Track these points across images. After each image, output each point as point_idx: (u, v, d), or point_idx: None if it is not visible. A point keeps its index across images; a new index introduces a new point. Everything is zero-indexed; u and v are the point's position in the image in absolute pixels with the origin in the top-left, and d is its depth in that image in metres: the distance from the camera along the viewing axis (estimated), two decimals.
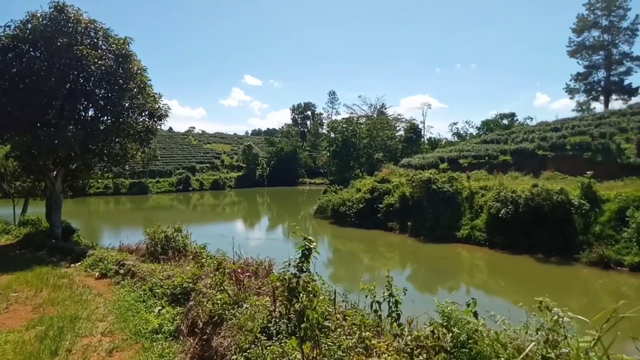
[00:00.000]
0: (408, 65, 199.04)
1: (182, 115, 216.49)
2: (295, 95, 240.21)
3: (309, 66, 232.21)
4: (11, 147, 18.91)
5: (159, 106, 20.37)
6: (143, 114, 19.94)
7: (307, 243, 4.03)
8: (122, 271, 11.05)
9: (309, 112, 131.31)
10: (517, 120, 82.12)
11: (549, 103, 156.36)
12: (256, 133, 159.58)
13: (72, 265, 13.97)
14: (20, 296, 9.81)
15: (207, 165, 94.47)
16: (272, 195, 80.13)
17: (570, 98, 61.40)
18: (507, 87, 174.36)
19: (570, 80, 59.62)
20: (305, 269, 4.12)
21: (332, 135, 57.83)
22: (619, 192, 24.91)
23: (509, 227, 26.71)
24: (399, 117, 72.84)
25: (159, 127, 20.79)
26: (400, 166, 47.37)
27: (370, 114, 71.35)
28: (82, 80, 18.01)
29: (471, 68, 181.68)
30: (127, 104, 19.09)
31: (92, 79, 17.63)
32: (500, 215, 26.61)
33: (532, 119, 74.80)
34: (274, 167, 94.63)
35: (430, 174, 32.04)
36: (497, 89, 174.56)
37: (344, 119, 59.20)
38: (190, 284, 8.08)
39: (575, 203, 24.78)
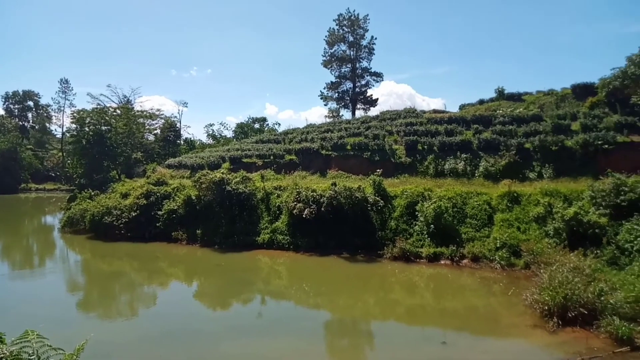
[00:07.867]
0: (141, 65, 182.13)
1: None
2: (3, 83, 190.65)
3: (21, 55, 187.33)
4: None
5: None
6: None
7: None
8: None
9: (30, 103, 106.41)
10: (267, 125, 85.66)
11: (277, 113, 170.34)
12: None
13: None
14: None
15: None
16: None
17: (325, 105, 66.93)
18: (242, 95, 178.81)
19: (324, 89, 65.25)
20: None
21: (75, 127, 46.50)
22: (405, 188, 26.72)
23: (312, 228, 25.56)
24: (157, 112, 64.31)
25: None
26: (167, 167, 41.55)
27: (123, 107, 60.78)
28: None
29: (207, 73, 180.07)
30: None
31: None
32: (304, 216, 25.15)
33: (279, 124, 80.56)
34: None
35: (222, 173, 28.27)
36: (232, 96, 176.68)
37: (94, 108, 48.32)
38: None
39: (371, 200, 25.37)
